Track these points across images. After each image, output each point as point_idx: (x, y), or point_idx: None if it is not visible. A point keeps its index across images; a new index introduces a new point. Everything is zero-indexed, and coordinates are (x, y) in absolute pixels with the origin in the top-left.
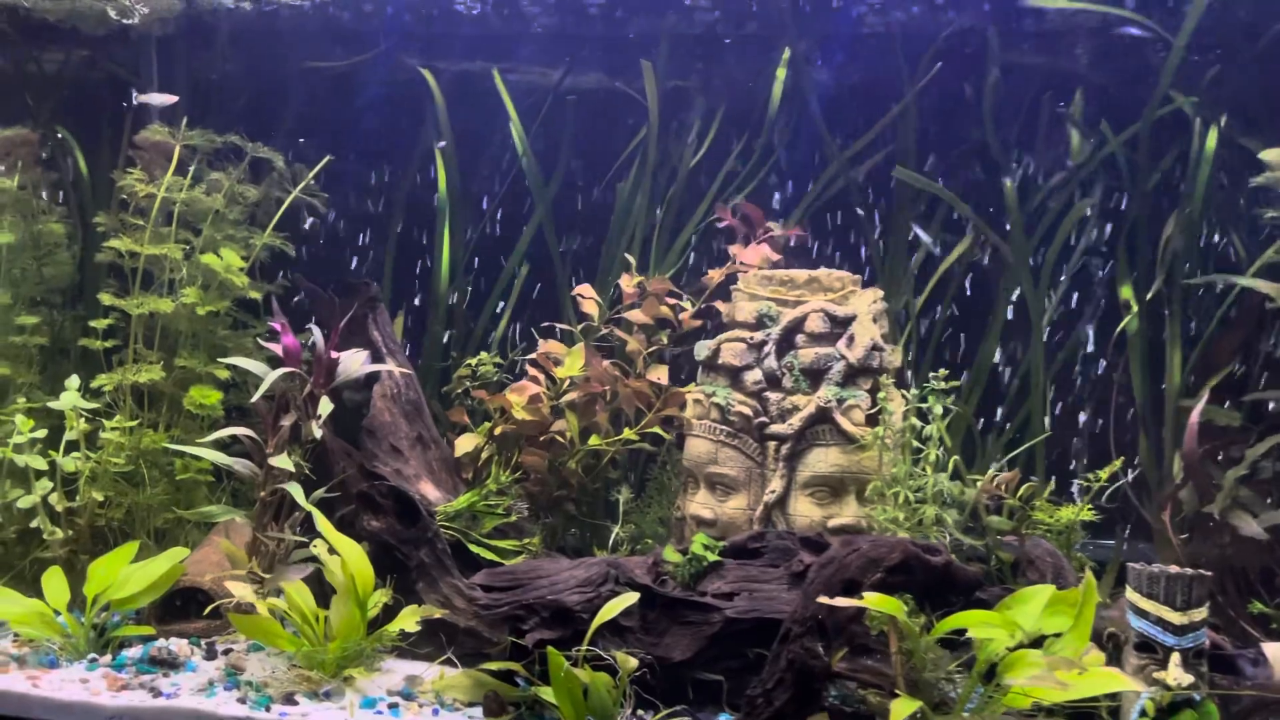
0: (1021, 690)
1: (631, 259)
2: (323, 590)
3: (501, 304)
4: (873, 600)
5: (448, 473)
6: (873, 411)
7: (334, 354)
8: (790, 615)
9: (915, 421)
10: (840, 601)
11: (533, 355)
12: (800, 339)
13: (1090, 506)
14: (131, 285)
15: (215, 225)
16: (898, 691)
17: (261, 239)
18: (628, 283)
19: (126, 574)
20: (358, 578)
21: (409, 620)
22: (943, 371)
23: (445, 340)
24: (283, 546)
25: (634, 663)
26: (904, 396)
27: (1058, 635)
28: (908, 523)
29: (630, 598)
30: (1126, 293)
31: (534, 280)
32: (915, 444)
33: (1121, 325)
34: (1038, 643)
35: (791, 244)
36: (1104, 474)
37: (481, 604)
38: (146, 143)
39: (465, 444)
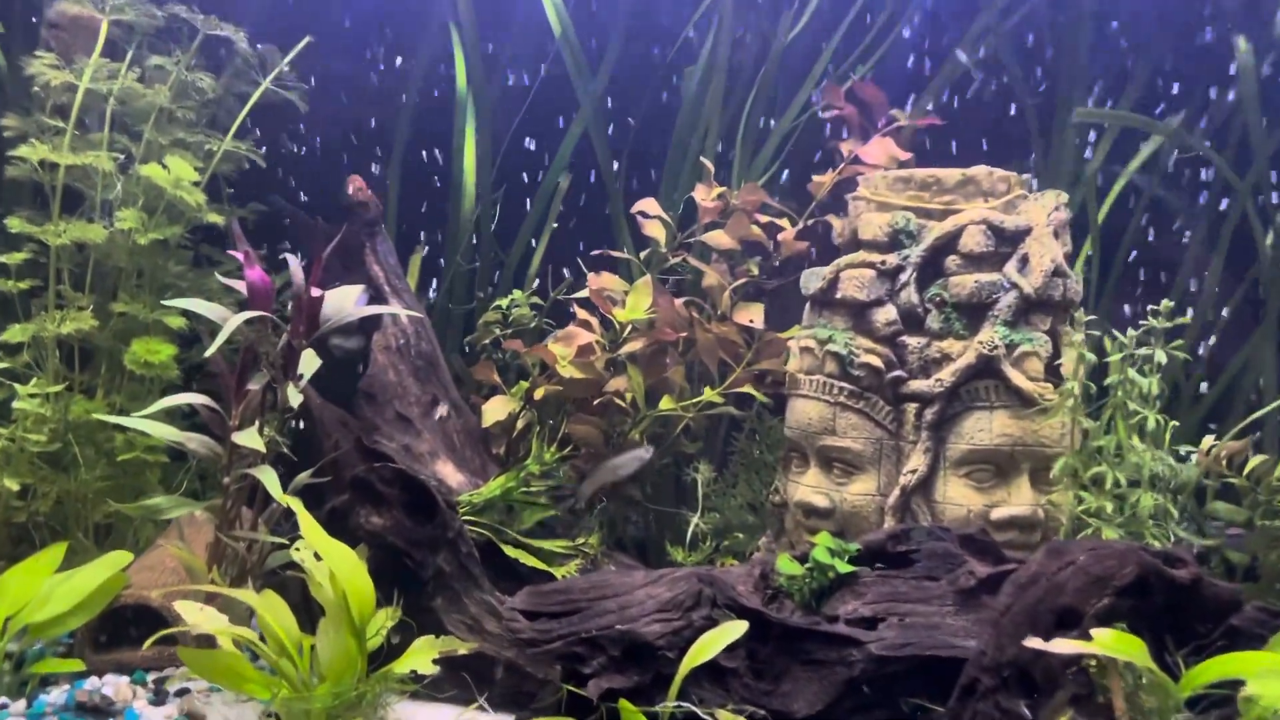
0: None
1: (709, 164)
2: (310, 610)
3: (538, 230)
4: (1108, 643)
5: (473, 449)
6: (1056, 362)
7: (316, 293)
8: (975, 659)
9: (1133, 375)
10: (1060, 645)
11: (582, 293)
12: (952, 262)
13: None
14: (51, 207)
15: (160, 127)
16: None
17: (222, 145)
18: (705, 195)
19: (50, 587)
20: (352, 595)
21: (423, 657)
22: (1167, 304)
23: (470, 276)
24: (255, 550)
25: None
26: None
27: None
28: (1117, 516)
29: (735, 629)
30: None
31: (580, 196)
32: (1132, 406)
33: None
34: None
35: (922, 136)
36: None
37: (525, 638)
38: (64, 18)
39: (496, 410)
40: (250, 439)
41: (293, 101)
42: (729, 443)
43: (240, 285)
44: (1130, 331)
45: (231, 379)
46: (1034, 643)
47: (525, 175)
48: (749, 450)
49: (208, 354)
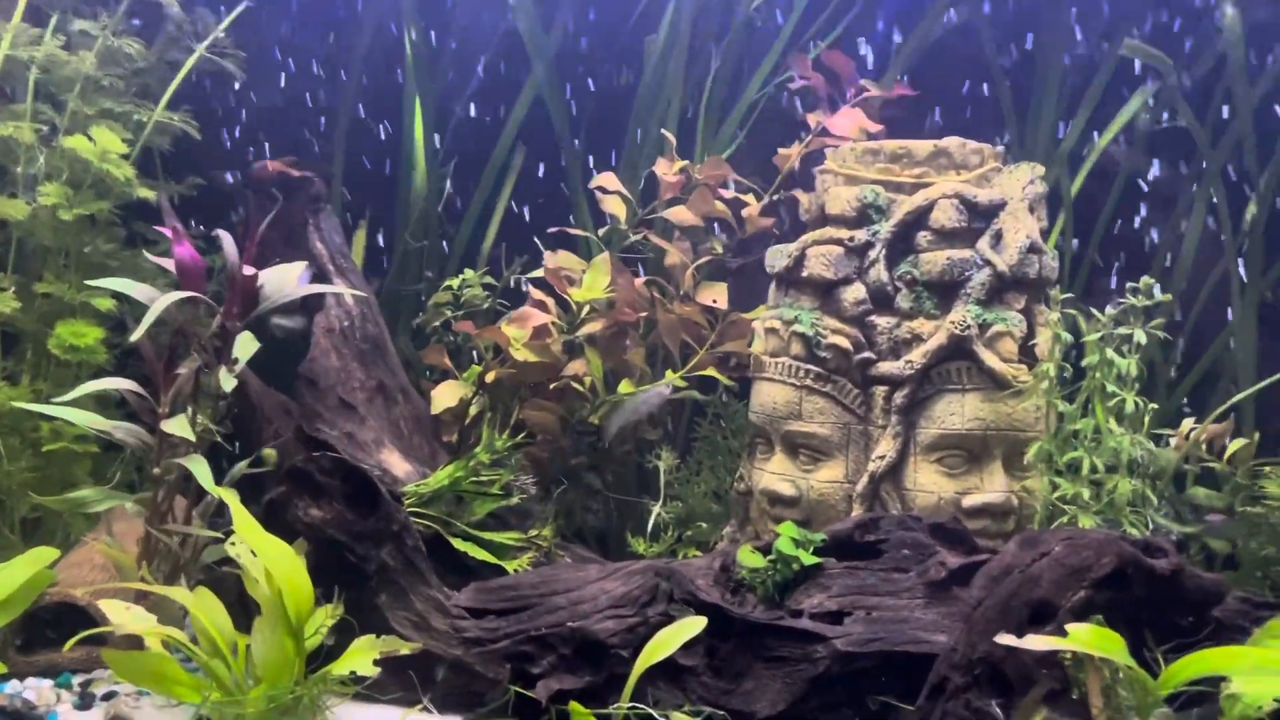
0: None
1: (671, 137)
2: (248, 609)
3: (491, 207)
4: (1084, 639)
5: (422, 436)
6: (1031, 342)
7: (250, 271)
8: (946, 656)
9: (1111, 354)
10: (1033, 642)
11: (537, 272)
12: (923, 238)
13: None
14: None
15: (86, 97)
16: None
17: (154, 115)
18: (666, 169)
19: None
20: (289, 592)
21: (363, 658)
22: (1146, 281)
23: (420, 255)
24: (189, 545)
25: None
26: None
27: None
28: (1094, 503)
29: (692, 625)
30: None
31: (536, 170)
32: (1110, 388)
33: None
34: None
35: (895, 107)
36: None
37: (471, 636)
38: None
39: (446, 396)
40: (179, 427)
41: (230, 70)
42: (693, 429)
43: (165, 262)
44: (1108, 310)
45: (160, 364)
46: (1007, 639)
47: (478, 148)
48: (713, 436)
49: (133, 337)
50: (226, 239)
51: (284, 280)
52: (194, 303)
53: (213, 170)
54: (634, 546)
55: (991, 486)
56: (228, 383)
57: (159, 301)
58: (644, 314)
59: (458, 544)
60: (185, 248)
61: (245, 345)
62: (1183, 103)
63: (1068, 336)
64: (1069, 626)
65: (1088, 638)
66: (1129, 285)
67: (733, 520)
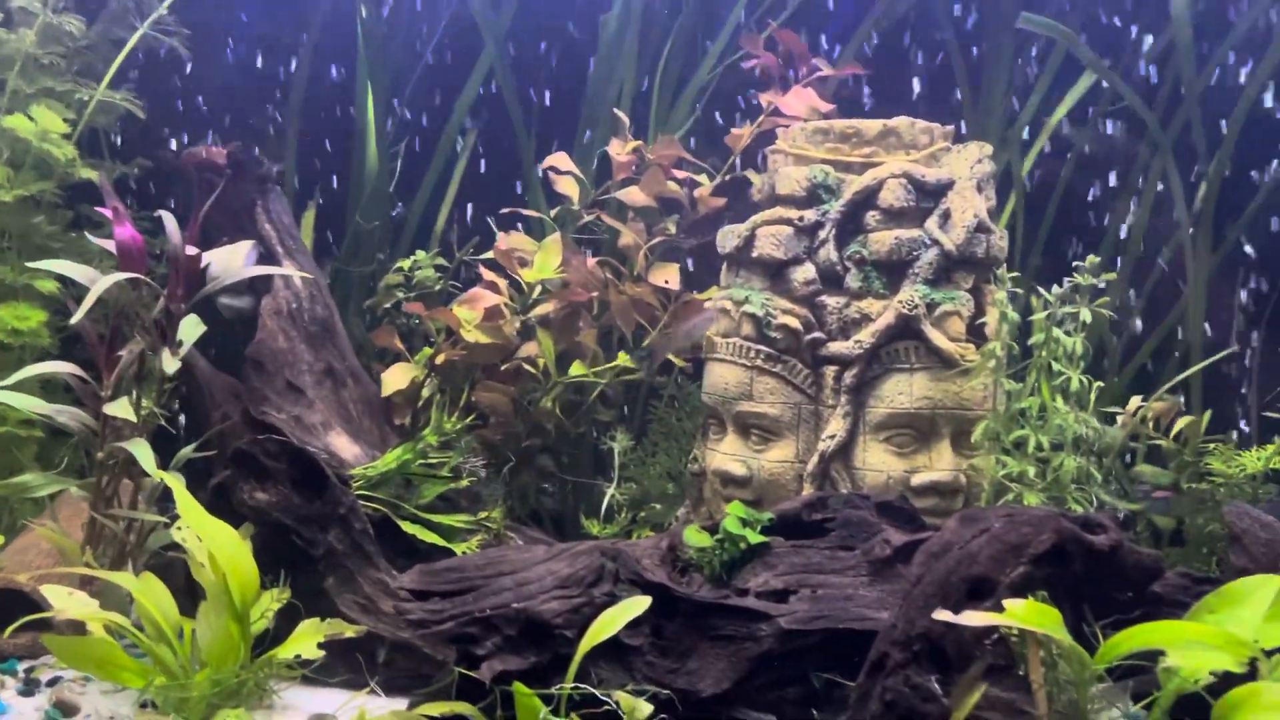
0: None
1: (624, 116)
2: (195, 594)
3: (443, 187)
4: (1020, 614)
5: (373, 419)
6: (979, 321)
7: (192, 251)
8: (885, 633)
9: (1057, 333)
10: (970, 618)
11: (489, 254)
12: (872, 217)
13: None
14: None
15: (26, 75)
16: None
17: (95, 94)
18: (619, 149)
19: None
20: (233, 576)
21: (308, 641)
22: (1093, 259)
23: (373, 236)
24: (135, 530)
25: (646, 709)
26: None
27: None
28: (1040, 480)
29: (637, 605)
30: None
31: (488, 149)
32: (1056, 366)
33: None
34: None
35: (850, 84)
36: None
37: (415, 618)
38: None
39: (396, 378)
40: (122, 409)
41: (175, 48)
42: (649, 410)
43: (106, 243)
44: (1054, 289)
45: (102, 347)
46: (943, 615)
47: (430, 127)
48: (669, 418)
49: (74, 320)
50: (169, 220)
51: (230, 261)
52: (137, 284)
53: (162, 151)
54: (587, 528)
55: (940, 465)
56: (170, 365)
57: (99, 283)
58: (596, 295)
59: (406, 527)
60: (126, 228)
61: (190, 328)
62: (1123, 84)
63: (1014, 315)
64: (1006, 602)
65: (1024, 613)
66: (1075, 264)
67: (687, 501)
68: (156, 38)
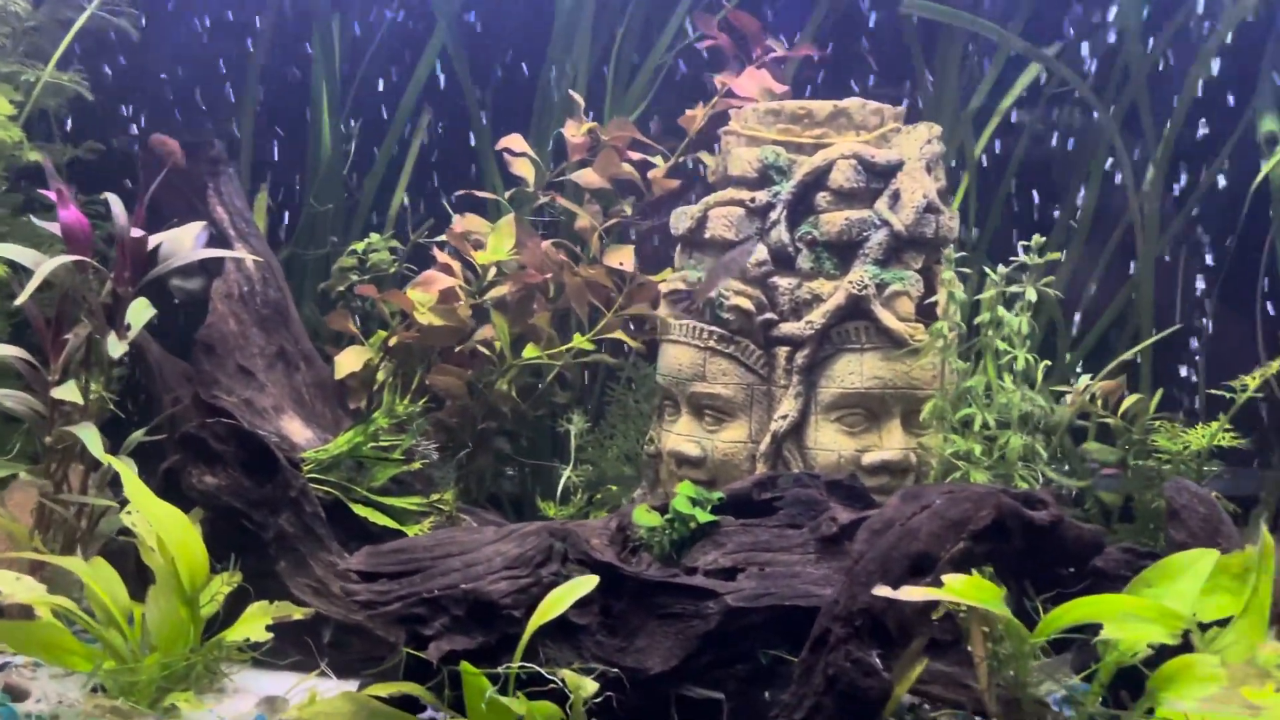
0: (1186, 718)
1: (579, 98)
2: (145, 578)
3: (398, 169)
4: (959, 589)
5: (326, 403)
6: (928, 300)
7: (138, 233)
8: (828, 608)
9: (1002, 312)
10: (909, 593)
11: (444, 236)
12: (823, 198)
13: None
14: None
15: None
16: (987, 715)
17: (42, 76)
18: (574, 131)
19: None
20: (182, 560)
21: (256, 624)
22: (1039, 239)
23: (328, 218)
24: (85, 516)
25: (591, 687)
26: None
27: (1220, 624)
28: (986, 458)
29: (584, 584)
30: (1270, 124)
31: (442, 131)
32: (1000, 346)
33: (1265, 170)
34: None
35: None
36: (1254, 379)
37: (362, 600)
38: None
39: (349, 361)
40: (69, 393)
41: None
42: (605, 391)
43: (51, 226)
44: (999, 268)
45: (48, 331)
46: (883, 591)
47: (385, 108)
48: (626, 400)
49: (18, 302)
50: (115, 202)
51: (180, 242)
52: (83, 267)
53: (117, 135)
54: (544, 510)
55: (890, 444)
56: (116, 349)
57: (43, 266)
58: (551, 277)
59: (358, 509)
60: (70, 211)
61: (139, 311)
62: (1065, 67)
63: (962, 295)
64: (945, 577)
65: (963, 588)
66: (1021, 244)
67: (644, 482)
68: (105, 18)
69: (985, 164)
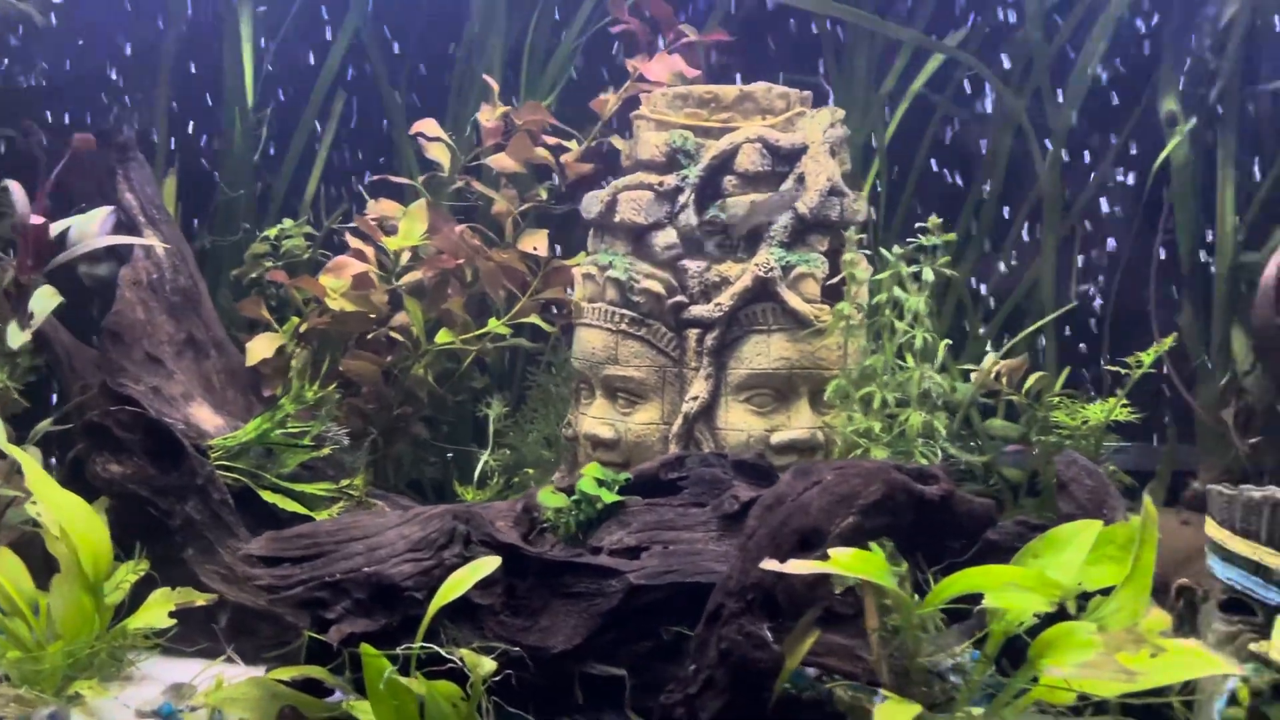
0: (1066, 683)
1: (493, 82)
2: (53, 569)
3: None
4: (845, 562)
5: (238, 390)
6: (833, 281)
7: (38, 220)
8: (722, 584)
9: (899, 293)
10: (795, 566)
11: (356, 222)
12: (730, 182)
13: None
14: None
15: None
16: (880, 685)
17: None
18: (488, 115)
19: None
20: (85, 549)
21: (158, 611)
22: (935, 220)
23: (242, 204)
24: None
25: (490, 666)
26: (868, 260)
27: (1105, 592)
28: (885, 435)
29: (486, 565)
30: (1172, 103)
31: (356, 115)
32: (899, 325)
33: (1165, 151)
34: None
35: (714, 58)
36: (1149, 355)
37: (264, 584)
38: None
39: (261, 348)
40: None
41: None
42: (525, 376)
43: None
44: (895, 249)
45: None
46: (770, 564)
47: (298, 92)
48: (546, 384)
49: None
50: (15, 188)
51: (87, 229)
52: None
53: (26, 121)
54: (462, 495)
55: (798, 423)
56: (16, 339)
57: None
58: (462, 260)
59: (267, 496)
60: None
61: (43, 299)
62: (963, 53)
63: (863, 275)
64: (831, 551)
65: (849, 561)
66: (917, 225)
67: (563, 465)
68: (11, 4)
69: (898, 147)
